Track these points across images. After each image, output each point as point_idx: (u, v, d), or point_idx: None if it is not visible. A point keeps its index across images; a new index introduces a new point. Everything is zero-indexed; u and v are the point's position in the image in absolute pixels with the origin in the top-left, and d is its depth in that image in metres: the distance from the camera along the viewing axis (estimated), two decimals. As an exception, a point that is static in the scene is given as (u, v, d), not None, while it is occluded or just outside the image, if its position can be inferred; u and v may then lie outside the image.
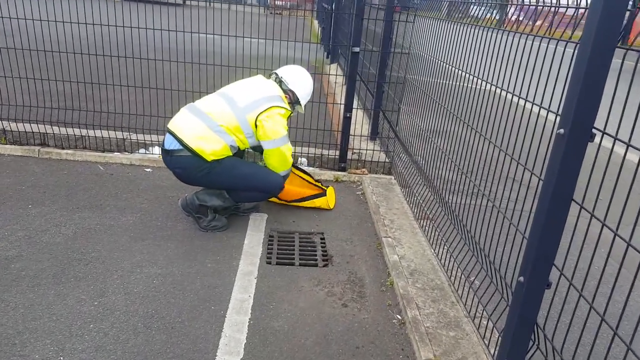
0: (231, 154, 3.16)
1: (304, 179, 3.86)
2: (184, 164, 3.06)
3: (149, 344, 2.19)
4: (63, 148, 4.28)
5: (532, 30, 1.90)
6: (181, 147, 3.02)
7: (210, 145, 3.02)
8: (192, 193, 3.21)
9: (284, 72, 3.42)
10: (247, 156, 3.88)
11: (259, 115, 3.10)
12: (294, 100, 3.41)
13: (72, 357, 2.07)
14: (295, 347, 2.28)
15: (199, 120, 3.06)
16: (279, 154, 3.22)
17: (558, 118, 1.50)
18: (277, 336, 2.34)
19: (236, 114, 3.09)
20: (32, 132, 4.27)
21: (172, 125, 3.10)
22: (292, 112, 3.35)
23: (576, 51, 1.42)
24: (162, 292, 2.57)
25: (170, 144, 3.05)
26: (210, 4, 5.92)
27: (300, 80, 3.42)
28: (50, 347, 2.10)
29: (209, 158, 3.03)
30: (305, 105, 3.53)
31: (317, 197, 3.73)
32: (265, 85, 3.28)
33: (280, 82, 3.38)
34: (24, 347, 2.09)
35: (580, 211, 1.52)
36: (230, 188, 3.23)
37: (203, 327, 2.34)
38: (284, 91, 3.35)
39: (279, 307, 2.56)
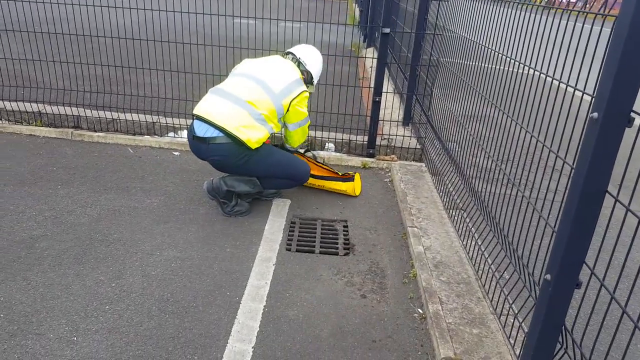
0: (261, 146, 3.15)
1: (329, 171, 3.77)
2: (225, 151, 2.98)
3: (161, 328, 2.18)
4: (95, 131, 4.35)
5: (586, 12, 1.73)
6: (220, 134, 2.94)
7: (256, 133, 3.01)
8: (218, 177, 3.15)
9: (301, 53, 3.45)
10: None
11: (292, 100, 3.15)
12: (308, 80, 3.44)
13: (85, 337, 2.08)
14: (309, 337, 2.22)
15: (241, 109, 2.99)
16: (302, 129, 3.40)
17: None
18: (291, 325, 2.28)
19: (273, 101, 3.09)
20: (67, 115, 4.36)
21: (203, 111, 3.00)
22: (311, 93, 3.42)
23: (614, 26, 1.26)
24: (180, 275, 2.56)
25: (206, 131, 2.95)
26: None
27: (316, 61, 3.48)
28: (65, 327, 2.12)
29: (254, 146, 3.01)
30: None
31: (341, 180, 3.63)
32: (288, 67, 3.28)
33: (298, 63, 3.40)
34: (40, 325, 2.11)
35: (615, 203, 1.37)
36: (264, 175, 3.23)
37: (217, 313, 2.31)
38: (302, 71, 3.39)
39: (296, 295, 2.50)
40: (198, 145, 3.03)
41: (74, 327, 2.13)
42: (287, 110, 3.17)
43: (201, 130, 2.98)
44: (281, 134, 3.52)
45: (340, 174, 3.73)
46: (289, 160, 3.32)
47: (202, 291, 2.46)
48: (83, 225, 2.92)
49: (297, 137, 3.43)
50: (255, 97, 3.03)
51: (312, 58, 3.47)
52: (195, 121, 3.03)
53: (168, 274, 2.56)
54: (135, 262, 2.63)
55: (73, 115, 4.37)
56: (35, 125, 4.32)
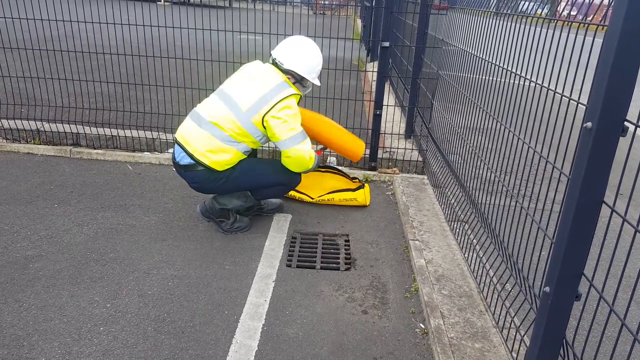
0: (244, 157, 3.01)
1: (336, 174, 3.83)
2: (199, 178, 2.93)
3: (157, 349, 2.13)
4: (94, 148, 4.34)
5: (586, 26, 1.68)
6: (193, 162, 2.88)
7: (221, 156, 2.87)
8: (210, 198, 3.12)
9: (277, 51, 3.02)
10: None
11: (264, 116, 2.84)
12: (298, 79, 3.05)
13: (78, 360, 2.03)
14: (308, 356, 2.16)
15: (205, 132, 2.86)
16: (295, 155, 2.93)
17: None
18: (290, 344, 2.23)
19: (240, 120, 2.85)
20: (66, 132, 4.35)
21: (179, 136, 2.95)
22: (302, 94, 3.07)
23: (605, 35, 1.23)
24: (177, 294, 2.51)
25: (182, 158, 2.91)
26: (254, 6, 5.91)
27: (296, 55, 2.99)
28: (57, 350, 2.07)
29: (222, 168, 2.90)
30: (318, 77, 3.12)
31: (350, 191, 3.61)
32: (264, 74, 2.96)
33: (276, 64, 3.02)
34: (31, 349, 2.07)
35: (611, 214, 1.32)
36: (251, 188, 3.13)
37: (214, 333, 2.26)
38: (285, 72, 3.00)
39: (295, 312, 2.44)
40: (178, 170, 3.00)
41: (66, 350, 2.08)
42: (264, 127, 2.88)
43: (178, 156, 2.94)
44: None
45: (351, 177, 3.82)
46: (273, 168, 3.09)
47: (200, 310, 2.41)
48: (79, 244, 2.89)
49: (289, 163, 2.99)
50: (218, 117, 2.86)
51: (290, 54, 2.98)
52: (175, 146, 2.98)
53: (165, 294, 2.51)
54: (132, 281, 2.59)
55: (72, 132, 4.36)
56: (34, 144, 4.31)
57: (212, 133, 2.86)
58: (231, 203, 3.08)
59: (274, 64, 3.04)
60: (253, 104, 2.85)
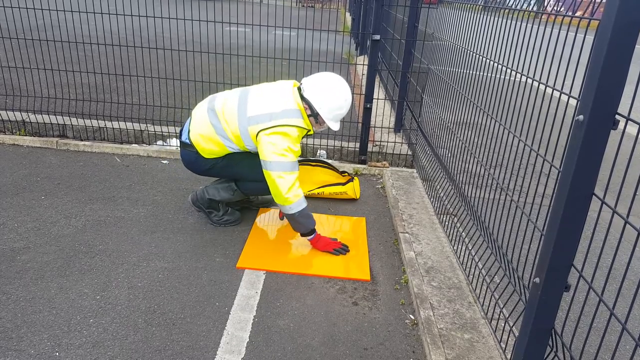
0: (230, 153, 2.98)
1: (325, 167, 3.85)
2: (190, 158, 3.00)
3: (148, 341, 2.12)
4: (81, 139, 4.29)
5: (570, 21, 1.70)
6: (188, 141, 2.95)
7: (210, 145, 2.90)
8: (202, 188, 3.13)
9: (307, 79, 2.87)
10: None
11: (259, 132, 2.75)
12: (314, 113, 2.83)
13: (68, 352, 2.01)
14: (299, 347, 2.17)
15: (208, 118, 2.89)
16: (271, 180, 2.74)
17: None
18: (281, 335, 2.24)
19: (239, 123, 2.81)
20: (52, 123, 4.29)
21: (193, 112, 3.03)
22: (308, 130, 2.89)
23: (597, 29, 1.24)
24: (167, 286, 2.50)
25: (184, 132, 3.00)
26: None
27: (319, 89, 2.80)
28: (47, 342, 2.05)
29: (208, 156, 2.95)
30: (336, 122, 2.89)
31: (340, 184, 3.63)
32: (283, 94, 2.86)
33: (299, 89, 2.87)
34: (20, 341, 2.05)
35: (601, 206, 1.35)
36: (235, 179, 3.11)
37: (205, 324, 2.26)
38: (304, 100, 2.83)
39: (286, 304, 2.45)
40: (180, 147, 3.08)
41: (56, 342, 2.06)
42: (257, 140, 2.80)
43: (184, 130, 3.01)
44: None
45: (340, 171, 3.84)
46: (257, 166, 2.87)
47: (190, 302, 2.40)
48: (67, 236, 2.86)
49: (269, 184, 2.77)
50: (226, 111, 2.86)
51: (315, 85, 2.81)
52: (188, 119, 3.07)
53: (155, 285, 2.50)
54: (121, 273, 2.57)
55: (58, 123, 4.30)
56: (19, 135, 4.25)
57: (212, 121, 2.89)
58: (219, 195, 3.07)
59: (299, 89, 2.88)
60: (258, 114, 2.78)
